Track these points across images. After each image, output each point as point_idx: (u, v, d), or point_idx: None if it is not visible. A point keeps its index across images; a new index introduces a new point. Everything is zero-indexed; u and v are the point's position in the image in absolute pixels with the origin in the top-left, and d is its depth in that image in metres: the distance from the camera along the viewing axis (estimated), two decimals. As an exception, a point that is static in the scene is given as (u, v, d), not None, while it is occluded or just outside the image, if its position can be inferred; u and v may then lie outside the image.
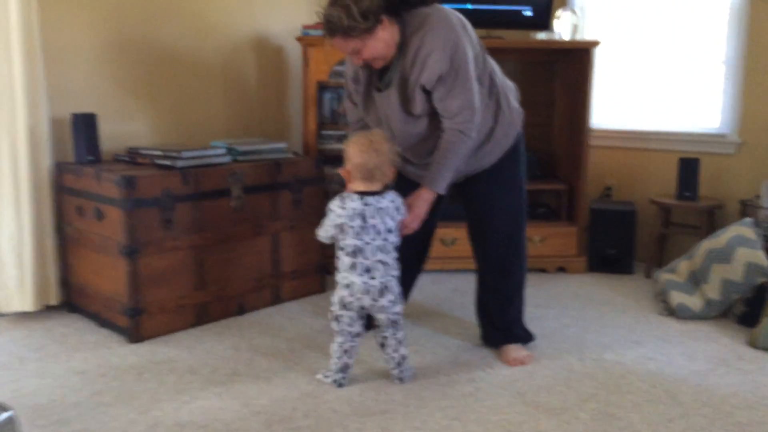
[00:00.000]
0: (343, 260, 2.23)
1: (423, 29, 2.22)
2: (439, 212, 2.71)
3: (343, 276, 2.23)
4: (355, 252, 2.19)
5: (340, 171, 2.27)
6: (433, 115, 2.33)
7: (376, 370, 2.45)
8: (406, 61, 2.26)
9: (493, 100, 2.43)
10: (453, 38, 2.20)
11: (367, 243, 2.19)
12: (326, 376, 2.32)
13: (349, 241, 2.19)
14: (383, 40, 2.21)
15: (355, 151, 2.20)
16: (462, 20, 2.28)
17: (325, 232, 2.25)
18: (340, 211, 2.19)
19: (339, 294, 2.24)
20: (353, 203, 2.19)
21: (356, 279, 2.20)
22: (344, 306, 2.23)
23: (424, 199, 2.33)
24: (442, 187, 2.34)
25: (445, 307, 3.14)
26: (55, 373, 2.40)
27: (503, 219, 2.51)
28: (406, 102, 2.31)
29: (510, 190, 2.51)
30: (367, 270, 2.20)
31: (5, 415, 1.20)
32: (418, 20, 2.24)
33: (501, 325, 2.60)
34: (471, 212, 2.58)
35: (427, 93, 2.27)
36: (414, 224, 2.33)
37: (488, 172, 2.50)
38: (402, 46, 2.26)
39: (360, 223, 2.18)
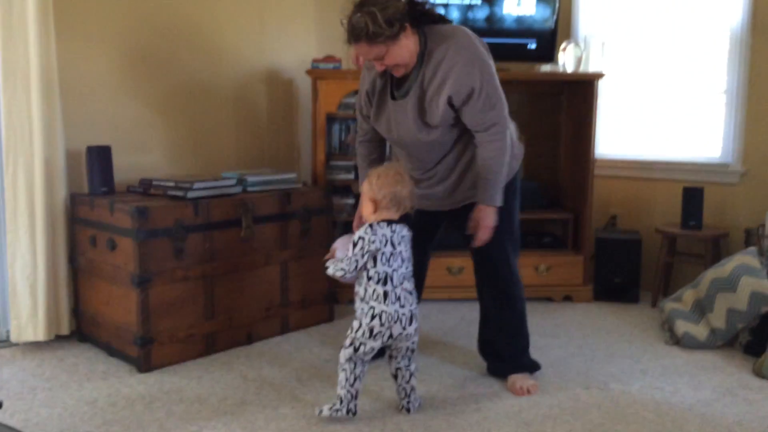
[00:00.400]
0: (374, 289, 2.23)
1: (446, 43, 2.29)
2: (433, 243, 2.75)
3: (371, 306, 2.22)
4: (386, 280, 2.22)
5: (365, 200, 2.28)
6: (447, 127, 2.39)
7: (383, 399, 2.47)
8: (427, 72, 2.32)
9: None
10: (478, 54, 2.30)
11: (395, 270, 2.23)
12: (336, 410, 2.25)
13: (380, 268, 2.22)
14: (406, 47, 2.27)
15: (386, 181, 2.25)
16: (482, 41, 2.38)
17: (350, 265, 2.22)
18: (372, 237, 2.21)
19: (366, 324, 2.23)
20: (383, 230, 2.23)
21: (388, 308, 2.22)
22: (373, 336, 2.23)
23: (488, 213, 2.39)
24: (499, 200, 2.40)
25: (452, 336, 3.16)
26: (66, 402, 2.43)
27: (499, 250, 2.55)
28: (422, 112, 2.36)
29: (503, 221, 2.52)
30: (398, 298, 2.24)
31: (21, 443, 1.23)
32: (441, 35, 2.32)
33: (507, 356, 2.62)
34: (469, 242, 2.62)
35: (451, 106, 2.32)
36: (486, 236, 2.41)
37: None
38: (422, 57, 2.32)
39: (390, 250, 2.23)
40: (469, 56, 2.28)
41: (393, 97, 2.42)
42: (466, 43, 2.30)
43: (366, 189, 2.28)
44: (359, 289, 2.27)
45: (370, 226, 2.23)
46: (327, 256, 2.33)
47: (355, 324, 2.26)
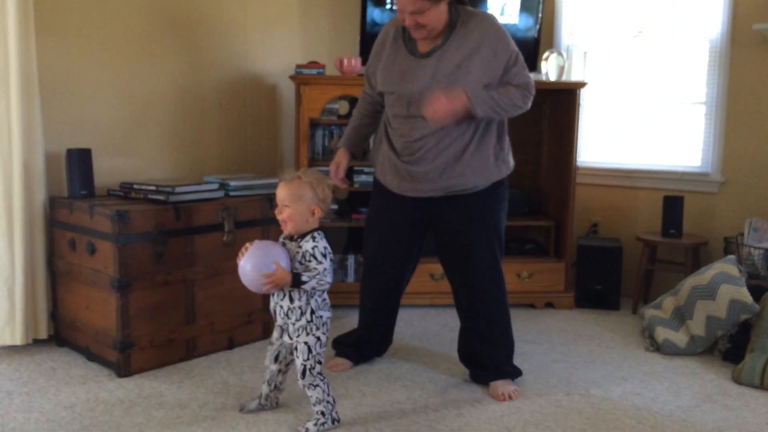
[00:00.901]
0: (323, 299, 2.26)
1: (478, 18, 2.47)
2: (419, 249, 2.75)
3: (321, 316, 2.23)
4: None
5: (311, 204, 2.23)
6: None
7: (364, 405, 2.46)
8: (459, 39, 2.44)
9: (502, 127, 2.59)
10: (504, 29, 2.48)
11: None
12: (323, 424, 2.22)
13: (330, 278, 2.23)
14: (442, 13, 2.40)
15: (329, 193, 2.25)
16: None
17: (330, 277, 2.21)
18: (329, 247, 2.25)
19: (323, 334, 2.23)
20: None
21: (330, 314, 2.29)
22: (324, 345, 2.26)
23: (456, 98, 2.33)
24: (479, 106, 2.37)
25: (435, 342, 3.16)
26: (44, 407, 2.39)
27: (487, 250, 2.56)
28: (445, 74, 2.42)
29: (490, 231, 2.57)
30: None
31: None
32: (471, 12, 2.49)
33: (490, 364, 2.62)
34: (448, 252, 2.62)
35: (486, 71, 2.43)
36: (441, 107, 2.33)
37: (466, 208, 2.55)
38: (452, 28, 2.45)
39: None
40: (501, 29, 2.47)
41: (413, 54, 2.50)
42: (495, 20, 2.50)
43: (313, 194, 2.20)
44: (299, 303, 2.19)
45: (322, 236, 2.23)
46: (239, 258, 2.20)
47: (311, 341, 2.21)
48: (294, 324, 2.20)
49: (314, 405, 2.23)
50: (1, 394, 2.50)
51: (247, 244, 2.20)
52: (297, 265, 2.19)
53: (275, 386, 2.36)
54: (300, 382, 2.23)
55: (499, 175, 2.57)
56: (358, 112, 2.78)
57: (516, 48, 2.47)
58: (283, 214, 2.20)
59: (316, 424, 2.22)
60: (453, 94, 2.34)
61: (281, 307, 2.22)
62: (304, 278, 2.15)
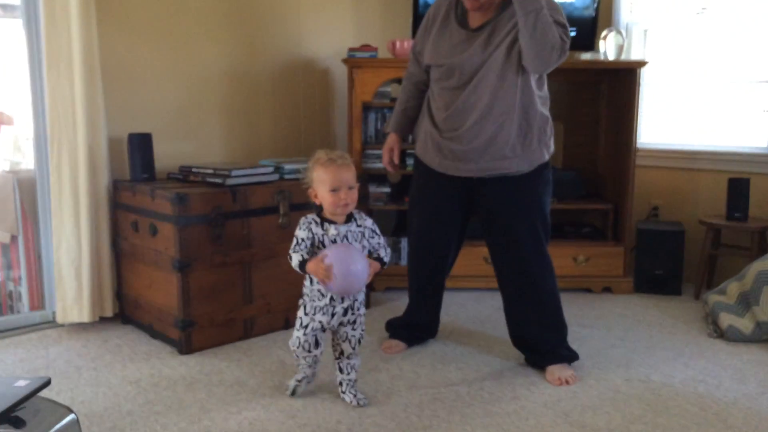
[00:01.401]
0: None
1: None
2: (463, 230, 2.72)
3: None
4: None
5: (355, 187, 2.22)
6: (510, 70, 2.41)
7: (418, 386, 2.46)
8: (508, 16, 2.41)
9: (546, 110, 2.53)
10: (560, 8, 2.42)
11: None
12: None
13: None
14: None
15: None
16: None
17: None
18: None
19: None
20: None
21: None
22: None
23: None
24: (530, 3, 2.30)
25: (488, 325, 3.15)
26: (110, 382, 2.49)
27: (531, 232, 2.53)
28: (489, 48, 2.41)
29: (535, 213, 2.53)
30: None
31: (69, 417, 1.26)
32: None
33: (543, 349, 2.59)
34: (493, 234, 2.59)
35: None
36: None
37: (510, 190, 2.51)
38: (505, 5, 2.43)
39: None
40: (554, 4, 2.40)
41: (464, 28, 2.49)
42: None
43: (353, 177, 2.21)
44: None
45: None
46: (327, 271, 2.10)
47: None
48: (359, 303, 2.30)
49: (354, 372, 2.33)
50: (71, 369, 2.61)
51: (325, 254, 2.12)
52: (365, 243, 2.25)
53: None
54: (353, 355, 2.31)
55: (542, 158, 2.52)
56: (404, 94, 2.76)
57: (566, 22, 2.40)
58: (350, 196, 2.18)
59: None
60: None
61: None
62: (385, 258, 2.28)
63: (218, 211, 2.81)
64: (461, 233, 2.74)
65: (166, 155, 3.29)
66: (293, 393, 2.35)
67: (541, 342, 2.59)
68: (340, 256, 2.12)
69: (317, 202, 2.21)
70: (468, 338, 2.97)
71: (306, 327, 2.24)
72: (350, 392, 2.33)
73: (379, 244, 2.28)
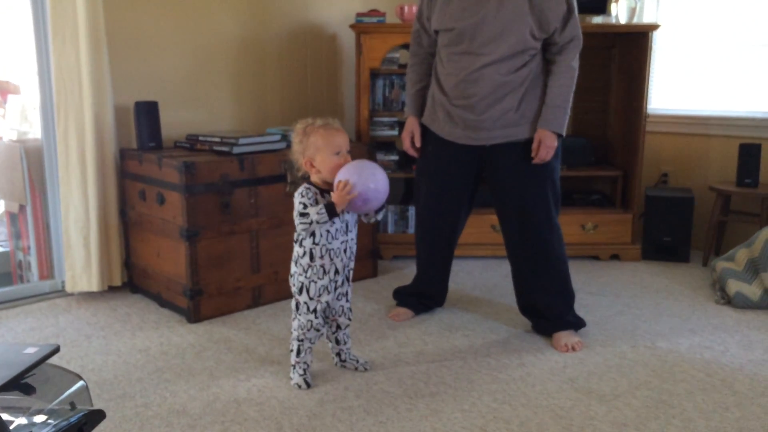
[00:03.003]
0: None
1: None
2: (472, 198, 2.71)
3: None
4: None
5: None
6: (526, 36, 2.39)
7: (426, 353, 2.48)
8: None
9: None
10: None
11: None
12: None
13: None
14: None
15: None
16: None
17: None
18: None
19: None
20: None
21: None
22: None
23: (552, 136, 2.44)
24: (563, 128, 2.46)
25: (496, 293, 3.15)
26: (120, 350, 2.52)
27: (542, 199, 2.52)
28: (502, 9, 2.38)
29: (545, 180, 2.52)
30: None
31: (79, 384, 1.27)
32: None
33: (552, 315, 2.60)
34: (503, 202, 2.59)
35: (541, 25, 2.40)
36: (548, 156, 2.46)
37: (520, 158, 2.50)
38: None
39: None
40: None
41: None
42: None
43: (348, 141, 2.20)
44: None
45: None
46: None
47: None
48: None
49: (350, 340, 2.36)
50: (81, 337, 2.64)
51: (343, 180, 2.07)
52: None
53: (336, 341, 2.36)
54: (348, 325, 2.32)
55: None
56: (414, 74, 2.69)
57: (578, 29, 2.44)
58: (348, 161, 2.16)
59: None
60: (546, 140, 2.43)
61: (352, 240, 2.23)
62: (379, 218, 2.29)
63: (226, 179, 2.80)
64: (470, 201, 2.73)
65: (173, 123, 3.28)
66: (309, 385, 2.23)
67: (549, 309, 2.59)
68: (358, 170, 2.07)
69: (314, 171, 2.16)
70: (475, 306, 2.98)
71: (315, 311, 2.20)
72: (351, 359, 2.35)
73: (354, 216, 2.25)
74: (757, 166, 3.42)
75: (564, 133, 2.47)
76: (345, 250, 2.21)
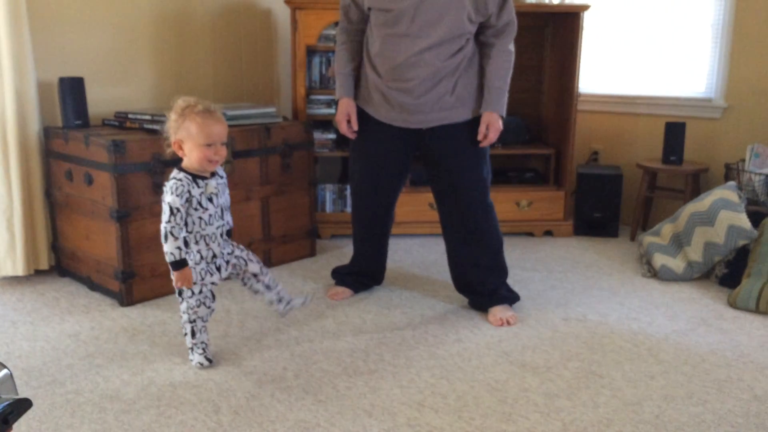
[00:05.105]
0: None
1: None
2: (406, 176, 2.73)
3: None
4: None
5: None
6: (464, 21, 2.39)
7: (364, 330, 2.50)
8: None
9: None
10: None
11: None
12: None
13: None
14: None
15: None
16: None
17: None
18: None
19: None
20: None
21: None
22: None
23: (497, 119, 2.49)
24: (504, 110, 2.52)
25: (433, 270, 3.19)
26: (48, 335, 2.43)
27: (477, 175, 2.55)
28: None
29: (479, 159, 2.55)
30: None
31: (2, 372, 1.22)
32: None
33: (485, 291, 2.65)
34: (439, 182, 2.61)
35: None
36: (495, 138, 2.51)
37: (455, 139, 2.52)
38: None
39: None
40: None
41: None
42: None
43: (227, 132, 2.13)
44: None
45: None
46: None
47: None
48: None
49: (279, 283, 2.37)
50: (6, 323, 2.53)
51: None
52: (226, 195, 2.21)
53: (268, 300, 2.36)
54: (266, 270, 2.31)
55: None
56: (346, 52, 2.60)
57: (513, 12, 2.48)
58: (221, 152, 2.08)
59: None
60: (494, 122, 2.47)
61: (228, 223, 2.24)
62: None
63: (158, 158, 2.72)
64: (404, 180, 2.74)
65: (100, 101, 3.16)
66: (210, 361, 2.21)
67: (483, 285, 2.64)
68: None
69: (181, 153, 2.09)
70: (413, 283, 3.01)
71: (199, 293, 2.16)
72: (288, 299, 2.37)
73: (227, 201, 2.22)
74: (681, 144, 3.56)
75: (504, 114, 2.51)
76: (222, 234, 2.18)
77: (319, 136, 3.59)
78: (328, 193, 3.68)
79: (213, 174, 2.14)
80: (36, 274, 3.00)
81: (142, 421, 1.88)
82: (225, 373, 2.17)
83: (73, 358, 2.25)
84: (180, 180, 2.06)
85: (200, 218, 2.10)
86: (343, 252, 3.41)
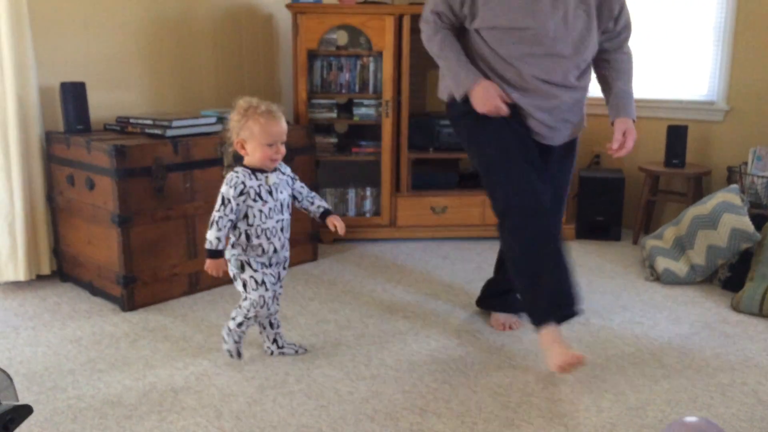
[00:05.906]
0: None
1: None
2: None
3: None
4: None
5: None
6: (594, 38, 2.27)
7: (368, 336, 2.49)
8: None
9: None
10: None
11: None
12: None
13: None
14: None
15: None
16: None
17: None
18: None
19: None
20: None
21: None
22: None
23: (632, 125, 2.35)
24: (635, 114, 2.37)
25: (436, 274, 3.18)
26: (50, 341, 2.43)
27: (564, 202, 2.51)
28: (568, 2, 2.18)
29: (571, 175, 2.52)
30: None
31: (2, 379, 1.22)
32: None
33: (511, 297, 2.58)
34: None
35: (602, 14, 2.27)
36: (632, 146, 2.35)
37: (568, 157, 2.47)
38: None
39: None
40: None
41: None
42: None
43: (286, 130, 2.15)
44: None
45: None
46: None
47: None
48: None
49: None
50: (8, 328, 2.53)
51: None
52: (289, 190, 2.23)
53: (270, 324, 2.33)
54: (278, 309, 2.29)
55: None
56: (453, 44, 2.28)
57: (629, 21, 2.35)
58: (281, 152, 2.13)
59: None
60: (631, 129, 2.32)
61: (287, 220, 2.23)
62: (325, 205, 2.30)
63: (159, 163, 2.72)
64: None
65: (102, 105, 3.16)
66: (240, 356, 2.25)
67: (511, 290, 2.55)
68: None
69: (243, 152, 2.13)
70: (415, 287, 3.00)
71: (264, 284, 2.16)
72: (290, 344, 2.34)
73: (305, 189, 2.28)
74: (684, 147, 3.55)
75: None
76: (282, 229, 2.19)
77: (320, 139, 3.59)
78: (330, 197, 3.67)
79: (275, 170, 2.17)
80: (37, 279, 2.99)
81: (143, 427, 1.88)
82: (227, 378, 2.16)
83: (74, 364, 2.25)
84: (237, 173, 2.11)
85: (260, 211, 2.12)
86: (345, 256, 3.41)
